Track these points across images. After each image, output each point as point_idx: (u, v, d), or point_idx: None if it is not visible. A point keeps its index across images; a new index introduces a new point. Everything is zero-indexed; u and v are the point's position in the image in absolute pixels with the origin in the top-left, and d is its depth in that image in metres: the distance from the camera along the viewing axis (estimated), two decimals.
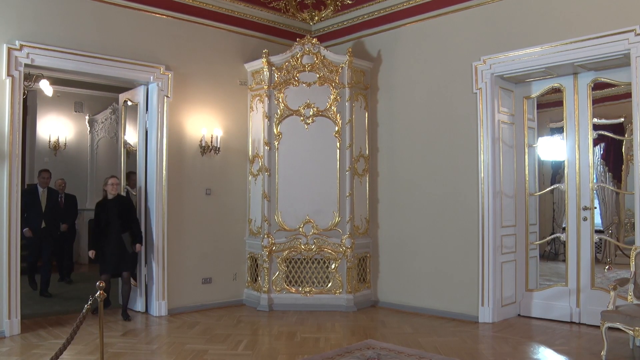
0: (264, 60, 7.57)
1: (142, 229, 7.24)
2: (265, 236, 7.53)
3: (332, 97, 7.57)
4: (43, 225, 8.29)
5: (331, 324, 6.70)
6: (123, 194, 7.83)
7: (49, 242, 8.42)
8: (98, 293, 4.18)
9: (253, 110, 7.95)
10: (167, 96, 7.24)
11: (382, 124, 7.94)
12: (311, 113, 7.58)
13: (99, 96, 12.21)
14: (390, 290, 7.77)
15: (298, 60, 7.59)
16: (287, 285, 7.42)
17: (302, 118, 7.59)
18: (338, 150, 7.57)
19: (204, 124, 7.60)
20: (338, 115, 7.57)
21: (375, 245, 7.96)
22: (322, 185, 7.48)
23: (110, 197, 7.04)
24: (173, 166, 7.31)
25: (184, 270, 7.39)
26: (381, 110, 7.95)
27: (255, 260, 7.77)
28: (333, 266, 7.51)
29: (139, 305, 7.32)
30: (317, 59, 7.58)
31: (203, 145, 7.56)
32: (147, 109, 7.37)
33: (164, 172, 7.19)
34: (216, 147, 7.63)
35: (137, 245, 6.97)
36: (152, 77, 7.15)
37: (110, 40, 6.82)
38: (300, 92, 7.59)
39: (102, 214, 6.97)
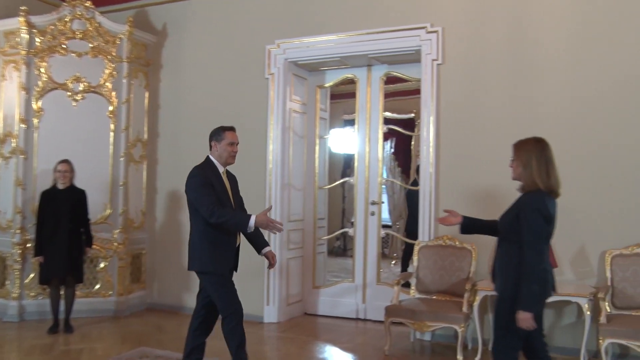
0: (21, 19, 6.67)
1: None
2: (18, 231, 6.70)
3: (107, 71, 7.00)
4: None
5: (98, 332, 6.27)
6: None
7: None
8: None
9: (6, 80, 6.96)
10: None
11: (164, 106, 7.58)
12: (81, 88, 6.92)
13: None
14: (168, 290, 7.48)
15: (66, 24, 6.85)
16: (45, 290, 6.64)
17: (69, 93, 6.89)
18: (112, 133, 7.05)
19: None
20: (113, 93, 7.03)
21: (152, 240, 7.61)
22: (91, 172, 6.85)
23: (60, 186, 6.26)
24: None
25: None
26: (164, 90, 7.58)
27: (4, 261, 6.88)
28: (102, 265, 6.97)
29: None
30: (90, 25, 6.92)
31: None
32: None
33: None
34: None
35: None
36: None
37: None
38: (69, 63, 6.89)
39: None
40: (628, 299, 5.08)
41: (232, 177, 4.69)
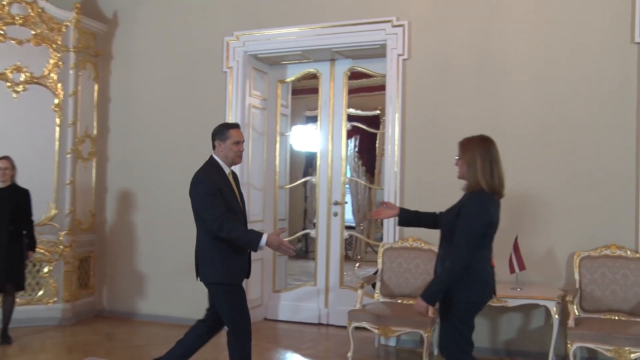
0: None
1: None
2: None
3: (52, 61, 6.78)
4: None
5: (40, 342, 6.08)
6: None
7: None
8: None
9: None
10: None
11: (115, 100, 7.40)
12: (22, 79, 6.69)
13: None
14: (118, 296, 7.30)
15: (4, 8, 6.59)
16: None
17: (9, 84, 6.65)
18: (57, 128, 6.84)
19: None
20: (59, 85, 6.82)
21: (102, 243, 7.41)
22: (35, 170, 6.64)
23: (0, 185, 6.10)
24: None
25: None
26: (115, 83, 7.40)
27: None
28: (46, 270, 6.74)
29: None
30: (32, 10, 6.69)
31: None
32: None
33: None
34: None
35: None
36: None
37: None
38: (8, 51, 6.64)
39: None
40: (596, 302, 5.08)
41: (236, 177, 4.45)
